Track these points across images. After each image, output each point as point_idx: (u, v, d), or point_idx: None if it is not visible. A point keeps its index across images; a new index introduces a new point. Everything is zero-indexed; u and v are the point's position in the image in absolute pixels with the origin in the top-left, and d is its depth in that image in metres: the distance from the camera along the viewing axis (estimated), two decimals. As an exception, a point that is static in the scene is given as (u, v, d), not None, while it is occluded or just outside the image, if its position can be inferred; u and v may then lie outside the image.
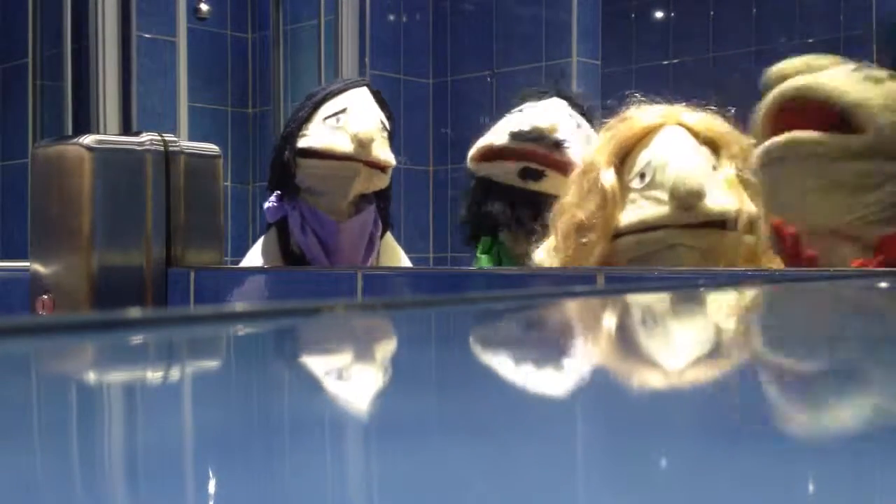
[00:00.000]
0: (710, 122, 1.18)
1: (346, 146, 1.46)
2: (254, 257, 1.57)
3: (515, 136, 1.46)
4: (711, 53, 2.78)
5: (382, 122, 1.51)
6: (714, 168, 1.12)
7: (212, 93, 2.87)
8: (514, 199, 1.46)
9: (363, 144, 1.46)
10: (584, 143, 1.42)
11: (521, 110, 1.52)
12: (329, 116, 1.49)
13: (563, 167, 1.39)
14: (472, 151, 1.51)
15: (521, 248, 1.45)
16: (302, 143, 1.48)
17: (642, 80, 2.86)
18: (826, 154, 1.01)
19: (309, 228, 1.50)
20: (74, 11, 2.08)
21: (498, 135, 1.49)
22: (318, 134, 1.48)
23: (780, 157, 1.05)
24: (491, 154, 1.49)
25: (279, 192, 1.52)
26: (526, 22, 2.69)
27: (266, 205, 1.56)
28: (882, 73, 1.03)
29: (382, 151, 1.49)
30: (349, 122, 1.48)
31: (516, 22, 2.72)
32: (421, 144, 2.84)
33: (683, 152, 1.15)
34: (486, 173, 1.50)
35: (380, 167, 1.50)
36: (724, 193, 1.10)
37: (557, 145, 1.44)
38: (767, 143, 1.06)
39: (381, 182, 1.53)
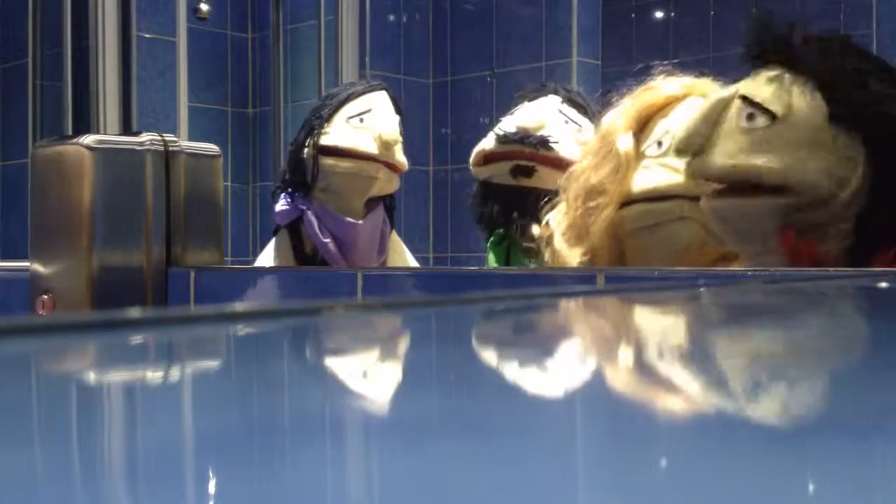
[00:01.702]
0: None
1: (370, 146, 1.48)
2: (267, 261, 1.58)
3: (501, 139, 1.48)
4: (711, 53, 2.78)
5: (400, 127, 1.53)
6: None
7: (212, 93, 2.87)
8: (509, 199, 1.47)
9: (387, 146, 1.47)
10: (575, 137, 1.44)
11: (512, 113, 1.54)
12: (353, 116, 1.50)
13: (552, 163, 1.41)
14: (472, 157, 1.54)
15: (527, 239, 1.47)
16: (325, 140, 1.49)
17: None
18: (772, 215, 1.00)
19: (325, 229, 1.51)
20: (74, 11, 2.08)
21: (488, 139, 1.52)
22: (342, 133, 1.50)
23: (729, 217, 1.02)
24: (485, 159, 1.51)
25: (292, 191, 1.53)
26: (526, 22, 2.69)
27: (277, 207, 1.56)
28: (771, 105, 1.00)
29: (401, 155, 1.52)
30: (374, 123, 1.49)
31: (516, 22, 2.72)
32: (421, 144, 2.84)
33: None
34: (484, 176, 1.52)
35: (397, 170, 1.52)
36: None
37: (543, 143, 1.45)
38: (710, 204, 1.03)
39: (395, 185, 1.55)
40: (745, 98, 1.01)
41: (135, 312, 0.42)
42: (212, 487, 0.17)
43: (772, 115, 0.99)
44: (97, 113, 1.39)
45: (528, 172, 1.46)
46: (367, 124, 1.49)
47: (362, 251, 1.52)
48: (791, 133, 0.98)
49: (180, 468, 0.18)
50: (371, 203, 1.55)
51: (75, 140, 1.12)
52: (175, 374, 0.31)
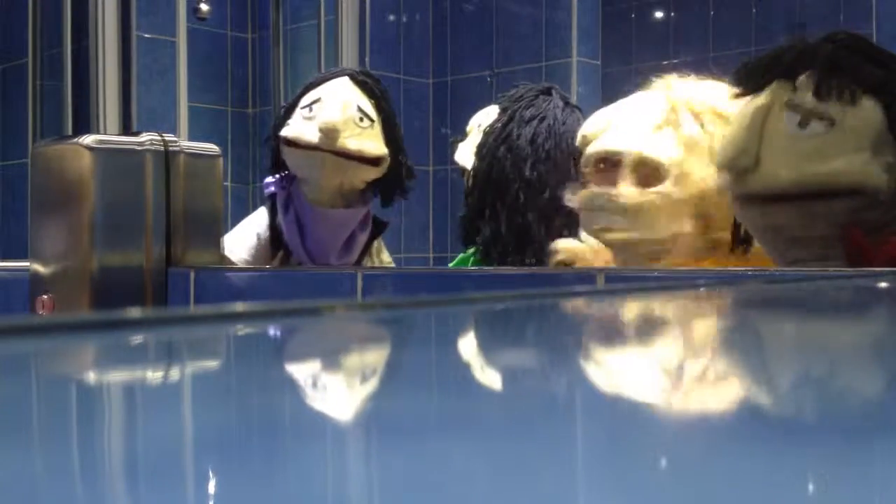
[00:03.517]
0: (696, 92, 1.20)
1: (313, 136, 1.48)
2: (243, 226, 1.62)
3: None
4: (711, 53, 2.78)
5: (362, 111, 1.50)
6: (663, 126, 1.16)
7: (212, 93, 2.87)
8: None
9: (327, 134, 1.47)
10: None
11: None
12: (305, 106, 1.51)
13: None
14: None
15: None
16: (283, 131, 1.51)
17: (642, 80, 2.85)
18: (841, 219, 0.98)
19: (292, 208, 1.53)
20: (74, 11, 2.08)
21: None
22: (294, 124, 1.51)
23: (791, 225, 1.03)
24: None
25: (279, 175, 1.57)
26: (526, 22, 2.69)
27: (266, 179, 1.60)
28: (822, 110, 0.98)
29: (354, 142, 1.48)
30: (319, 112, 1.49)
31: (516, 22, 2.72)
32: (421, 144, 2.84)
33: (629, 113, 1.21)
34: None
35: (354, 158, 1.50)
36: (659, 145, 1.14)
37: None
38: (767, 213, 1.03)
39: (365, 174, 1.51)
40: (791, 105, 0.99)
41: (135, 312, 0.42)
42: (211, 487, 0.17)
43: (829, 120, 0.97)
44: (97, 113, 1.39)
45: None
46: (314, 113, 1.50)
47: (321, 241, 1.53)
48: (852, 136, 0.96)
49: (180, 468, 0.18)
50: (356, 201, 1.55)
51: (75, 140, 1.12)
52: (175, 374, 0.31)
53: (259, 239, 1.57)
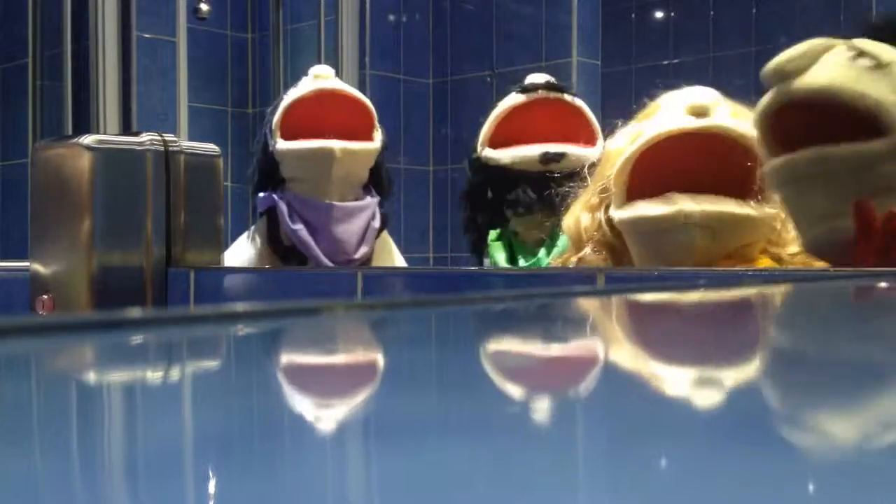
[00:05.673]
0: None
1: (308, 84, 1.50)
2: (240, 244, 1.60)
3: (525, 88, 1.52)
4: (711, 53, 2.78)
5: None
6: None
7: (212, 93, 2.87)
8: (531, 183, 1.48)
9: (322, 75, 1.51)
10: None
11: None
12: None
13: (578, 131, 1.47)
14: (480, 139, 1.54)
15: (533, 234, 1.46)
16: (274, 121, 1.52)
17: (642, 80, 2.86)
18: (858, 165, 0.95)
19: (297, 215, 1.51)
20: (74, 11, 2.08)
21: (508, 99, 1.55)
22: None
23: (806, 174, 0.98)
24: (504, 141, 1.52)
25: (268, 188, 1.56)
26: (526, 22, 2.69)
27: (259, 195, 1.59)
28: (877, 52, 0.99)
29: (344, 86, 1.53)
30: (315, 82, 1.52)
31: (516, 22, 2.72)
32: (421, 144, 2.84)
33: None
34: (504, 160, 1.51)
35: (361, 133, 1.51)
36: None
37: (561, 88, 1.53)
38: (787, 159, 0.98)
39: (366, 156, 1.52)
40: (849, 44, 1.00)
41: (135, 312, 0.42)
42: (211, 487, 0.17)
43: (879, 62, 0.98)
44: (97, 113, 1.39)
45: (559, 158, 1.47)
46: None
47: (338, 237, 1.51)
48: (889, 78, 0.97)
49: (179, 469, 0.18)
50: (362, 193, 1.55)
51: (75, 140, 1.12)
52: (175, 374, 0.31)
53: (259, 257, 1.56)
